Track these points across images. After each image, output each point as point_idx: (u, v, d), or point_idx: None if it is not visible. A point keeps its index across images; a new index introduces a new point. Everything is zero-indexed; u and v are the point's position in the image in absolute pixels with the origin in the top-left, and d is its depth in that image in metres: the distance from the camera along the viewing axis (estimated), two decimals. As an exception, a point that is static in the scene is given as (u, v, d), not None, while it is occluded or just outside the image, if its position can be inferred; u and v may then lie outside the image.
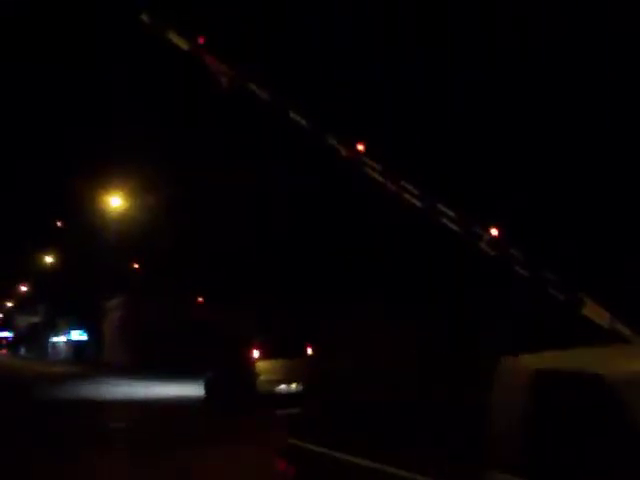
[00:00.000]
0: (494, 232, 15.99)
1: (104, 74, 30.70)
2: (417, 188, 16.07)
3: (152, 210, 33.64)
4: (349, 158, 16.38)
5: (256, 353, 16.82)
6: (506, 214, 19.50)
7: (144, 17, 16.29)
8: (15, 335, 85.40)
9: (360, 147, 16.38)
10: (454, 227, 15.89)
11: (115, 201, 33.22)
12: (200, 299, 37.00)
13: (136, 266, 42.10)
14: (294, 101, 16.47)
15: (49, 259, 51.75)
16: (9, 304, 78.84)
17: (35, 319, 78.04)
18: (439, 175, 23.14)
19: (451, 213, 15.89)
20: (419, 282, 28.83)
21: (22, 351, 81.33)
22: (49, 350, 74.12)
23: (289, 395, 16.35)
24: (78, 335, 63.25)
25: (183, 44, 16.38)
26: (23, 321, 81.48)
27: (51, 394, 24.56)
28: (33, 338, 78.70)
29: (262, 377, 16.53)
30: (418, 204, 16.09)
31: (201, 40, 16.51)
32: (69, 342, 66.45)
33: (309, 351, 17.60)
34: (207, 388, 18.74)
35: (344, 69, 28.99)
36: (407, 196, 16.12)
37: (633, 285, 20.49)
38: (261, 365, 16.71)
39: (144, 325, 43.42)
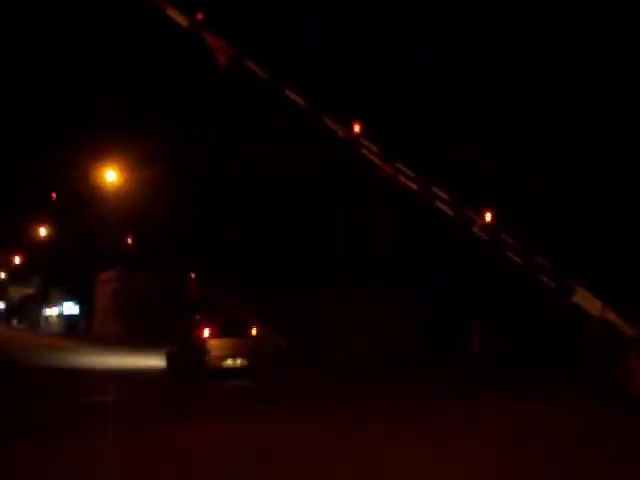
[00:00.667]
0: (488, 217, 15.95)
1: (103, 49, 30.50)
2: (412, 170, 15.99)
3: (147, 184, 33.49)
4: (346, 138, 16.27)
5: (207, 332, 19.57)
6: (501, 200, 19.49)
7: None
8: (7, 306, 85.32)
9: (356, 128, 16.28)
10: (448, 211, 15.84)
11: (110, 175, 33.03)
12: (193, 275, 36.91)
13: (130, 240, 41.86)
14: (291, 81, 16.30)
15: (43, 231, 51.51)
16: (2, 275, 78.64)
17: (28, 291, 77.92)
18: (435, 158, 23.14)
19: (445, 196, 15.83)
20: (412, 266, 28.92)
21: (15, 322, 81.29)
22: (42, 322, 74.13)
23: (235, 369, 19.45)
24: (71, 307, 63.24)
25: (182, 20, 16.16)
26: (16, 292, 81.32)
27: (35, 363, 24.75)
28: (26, 310, 78.63)
29: (212, 353, 19.30)
30: (413, 186, 16.03)
31: (200, 16, 16.26)
32: (62, 314, 66.45)
33: (254, 331, 20.55)
34: (168, 361, 21.36)
35: (342, 52, 28.78)
36: (402, 178, 16.04)
37: (626, 276, 20.57)
38: (212, 342, 19.45)
39: (135, 298, 43.53)
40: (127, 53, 28.66)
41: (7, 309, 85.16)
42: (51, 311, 71.23)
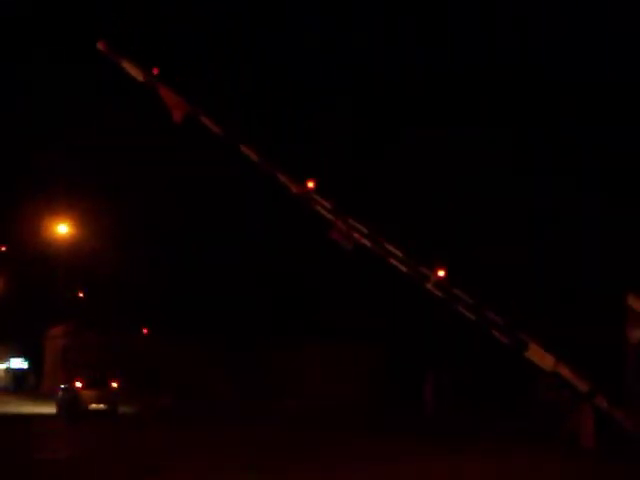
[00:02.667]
0: (441, 273, 16.06)
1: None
2: (365, 227, 16.06)
3: (98, 237, 33.07)
4: (299, 195, 16.29)
5: (79, 384, 26.11)
6: (453, 256, 19.71)
7: (99, 46, 15.97)
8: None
9: (310, 184, 16.33)
10: (402, 267, 15.90)
11: (62, 228, 32.53)
12: (145, 330, 36.51)
13: (80, 295, 41.15)
14: (246, 137, 16.32)
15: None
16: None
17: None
18: (388, 214, 23.38)
19: (399, 253, 15.91)
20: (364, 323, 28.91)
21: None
22: (-12, 378, 71.58)
23: (99, 410, 25.80)
24: (20, 363, 61.36)
25: (138, 74, 16.11)
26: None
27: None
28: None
29: (86, 399, 25.77)
30: (367, 243, 16.09)
31: (155, 71, 16.24)
32: (9, 370, 64.34)
33: (114, 384, 26.60)
34: (57, 405, 27.42)
35: (297, 106, 29.19)
36: (356, 235, 16.10)
37: (577, 330, 20.85)
38: (84, 392, 25.87)
39: (86, 354, 42.55)
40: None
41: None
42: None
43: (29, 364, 59.02)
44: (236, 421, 23.96)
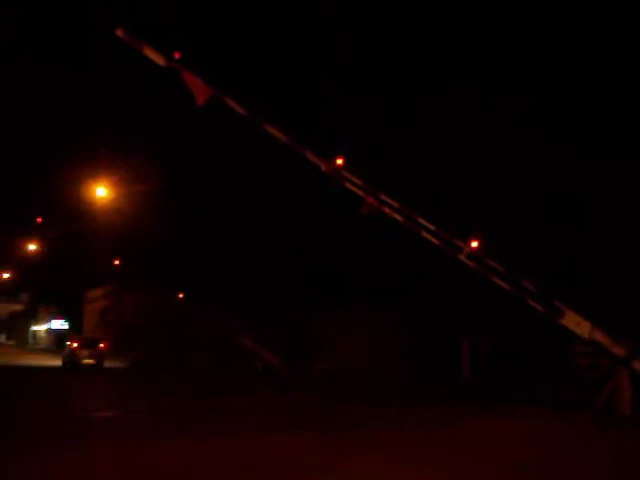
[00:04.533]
0: (474, 244, 15.97)
1: (92, 64, 30.46)
2: (397, 201, 15.96)
3: (138, 201, 33.43)
4: (329, 172, 16.24)
5: (75, 344, 33.72)
6: (486, 226, 19.56)
7: (118, 33, 15.82)
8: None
9: (339, 161, 16.24)
10: (434, 240, 15.84)
11: (100, 191, 32.82)
12: (180, 295, 37.12)
13: (119, 258, 41.82)
14: (271, 117, 16.20)
15: (32, 247, 51.22)
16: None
17: (17, 307, 77.48)
18: (419, 187, 23.21)
19: (431, 227, 15.84)
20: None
21: (3, 339, 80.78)
22: (29, 338, 73.65)
23: (90, 365, 32.71)
24: (60, 324, 62.88)
25: (159, 59, 15.98)
26: (4, 309, 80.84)
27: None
28: (14, 326, 78.17)
29: (80, 356, 32.98)
30: (399, 218, 16.03)
31: (177, 55, 16.10)
32: (50, 331, 66.04)
33: (101, 346, 34.17)
34: (62, 359, 34.69)
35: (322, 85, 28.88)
36: (388, 210, 16.03)
37: (614, 293, 20.63)
38: (79, 351, 33.20)
39: (124, 315, 43.56)
40: (117, 72, 28.65)
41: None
42: (39, 327, 70.81)
43: (69, 325, 60.44)
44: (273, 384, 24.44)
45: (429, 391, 21.24)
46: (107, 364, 33.97)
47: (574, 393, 16.67)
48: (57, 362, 35.36)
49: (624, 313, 16.68)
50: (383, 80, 27.79)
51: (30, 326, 73.52)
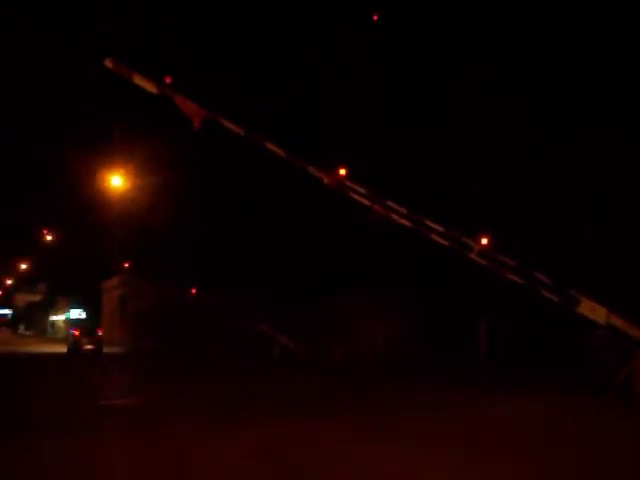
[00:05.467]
0: (484, 241, 15.89)
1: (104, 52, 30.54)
2: (404, 207, 15.87)
3: (153, 192, 33.60)
4: (332, 185, 16.17)
5: (77, 332, 37.42)
6: (494, 221, 19.48)
7: (107, 63, 15.71)
8: (14, 313, 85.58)
9: (342, 172, 16.15)
10: (444, 242, 15.80)
11: (116, 180, 32.96)
12: (195, 284, 37.39)
13: (135, 250, 42.09)
14: (271, 130, 16.10)
15: (49, 237, 51.70)
16: (9, 282, 78.91)
17: (35, 297, 78.19)
18: (423, 187, 23.09)
19: (440, 228, 15.80)
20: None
21: (21, 329, 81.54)
22: (48, 328, 74.31)
23: (90, 350, 35.99)
24: (77, 314, 63.34)
25: (151, 87, 15.84)
26: (23, 299, 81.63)
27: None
28: (32, 316, 78.89)
29: (81, 342, 36.53)
30: (407, 223, 15.99)
31: (168, 80, 15.95)
32: (68, 320, 66.51)
33: (99, 333, 38.47)
34: (67, 345, 38.03)
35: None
36: (395, 216, 15.98)
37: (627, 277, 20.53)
38: (81, 338, 36.76)
39: (141, 303, 43.90)
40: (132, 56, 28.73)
41: (14, 316, 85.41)
42: (57, 317, 71.41)
43: (87, 314, 60.91)
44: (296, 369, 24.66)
45: (447, 374, 21.36)
46: (124, 351, 35.44)
47: (591, 376, 16.66)
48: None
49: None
50: (384, 81, 27.79)
51: (48, 316, 74.18)
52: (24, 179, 42.91)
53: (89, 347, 36.19)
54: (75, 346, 36.39)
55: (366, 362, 25.72)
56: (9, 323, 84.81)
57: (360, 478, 7.88)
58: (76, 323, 64.38)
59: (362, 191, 15.71)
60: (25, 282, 75.22)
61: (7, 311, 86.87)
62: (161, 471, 8.06)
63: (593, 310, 15.17)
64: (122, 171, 29.62)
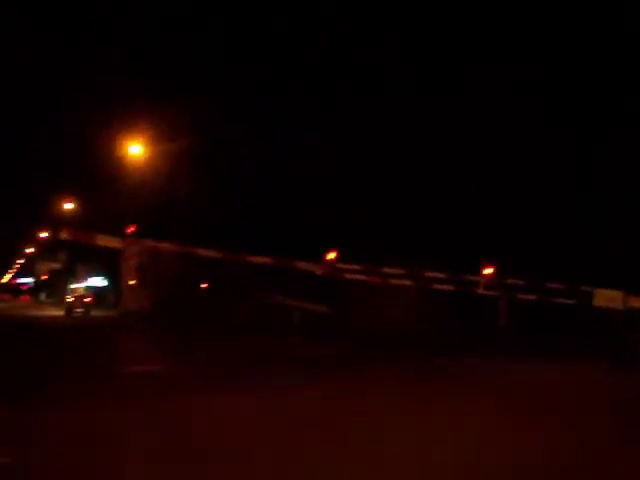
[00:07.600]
0: (488, 271, 15.66)
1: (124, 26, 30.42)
2: (400, 268, 15.68)
3: (171, 159, 33.56)
4: (328, 273, 16.06)
5: (70, 299, 48.78)
6: (494, 223, 19.06)
7: (65, 235, 15.74)
8: (36, 281, 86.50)
9: (331, 256, 16.00)
10: (449, 287, 15.66)
11: (135, 148, 32.99)
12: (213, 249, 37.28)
13: (153, 216, 42.12)
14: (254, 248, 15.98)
15: (69, 205, 51.94)
16: (29, 250, 79.60)
17: (56, 265, 78.81)
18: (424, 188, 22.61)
19: (441, 275, 15.64)
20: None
21: (43, 297, 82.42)
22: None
23: (80, 313, 45.61)
24: (100, 281, 63.75)
25: (117, 243, 16.16)
26: (43, 267, 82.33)
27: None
28: (54, 284, 79.62)
29: (73, 307, 46.69)
30: (408, 283, 15.86)
31: (132, 229, 15.94)
32: (89, 288, 67.02)
33: (89, 299, 48.89)
34: (64, 309, 46.87)
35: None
36: (394, 281, 15.86)
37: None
38: (73, 302, 47.70)
39: (160, 272, 44.14)
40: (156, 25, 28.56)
41: (35, 284, 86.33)
42: (78, 285, 72.01)
43: (109, 282, 61.30)
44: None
45: (469, 342, 21.27)
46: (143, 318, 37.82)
47: (608, 347, 16.61)
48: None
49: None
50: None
51: (69, 284, 74.86)
52: (41, 146, 42.98)
53: (79, 310, 46.31)
54: (69, 309, 46.47)
55: (389, 333, 25.65)
56: (30, 291, 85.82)
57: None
58: (99, 289, 65.34)
59: (356, 267, 15.65)
60: (46, 250, 75.78)
61: (29, 280, 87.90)
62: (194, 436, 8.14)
63: (609, 299, 15.04)
64: (142, 138, 29.61)
